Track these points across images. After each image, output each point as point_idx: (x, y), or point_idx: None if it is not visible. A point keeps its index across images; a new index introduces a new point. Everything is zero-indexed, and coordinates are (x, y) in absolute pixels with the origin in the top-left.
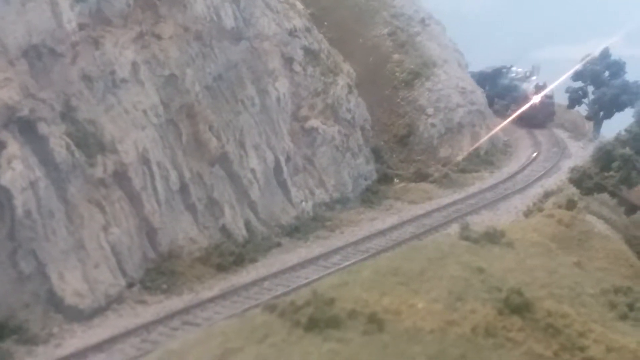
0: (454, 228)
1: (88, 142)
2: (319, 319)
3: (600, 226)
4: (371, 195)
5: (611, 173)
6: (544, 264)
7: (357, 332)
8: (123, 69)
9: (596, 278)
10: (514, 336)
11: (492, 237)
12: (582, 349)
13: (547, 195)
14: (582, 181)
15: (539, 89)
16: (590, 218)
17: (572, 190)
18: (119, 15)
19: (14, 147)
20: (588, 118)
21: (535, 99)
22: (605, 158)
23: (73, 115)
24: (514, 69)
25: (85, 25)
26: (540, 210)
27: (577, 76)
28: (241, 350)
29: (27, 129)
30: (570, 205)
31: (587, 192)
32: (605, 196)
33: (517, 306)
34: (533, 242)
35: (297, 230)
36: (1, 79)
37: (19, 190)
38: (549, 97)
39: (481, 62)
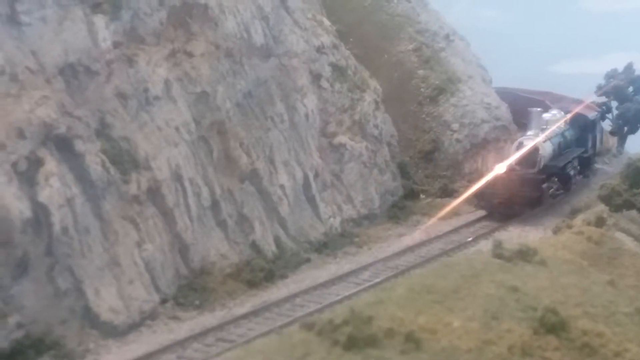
0: (483, 245)
1: (122, 159)
2: (357, 338)
3: (629, 243)
4: (398, 211)
5: None
6: (577, 282)
7: (395, 351)
8: (156, 86)
9: (629, 296)
10: (550, 356)
11: (525, 255)
12: None
13: (574, 211)
14: (611, 198)
15: (519, 147)
16: (619, 235)
17: (601, 207)
18: (152, 33)
19: (51, 164)
20: (612, 133)
21: (500, 168)
22: (634, 175)
23: (108, 132)
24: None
25: (119, 44)
26: (569, 227)
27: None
28: None
29: (63, 146)
30: (600, 222)
31: (616, 209)
32: (634, 213)
33: (552, 325)
34: (565, 259)
35: (326, 247)
36: (39, 97)
37: (57, 207)
38: (535, 164)
39: (500, 78)
